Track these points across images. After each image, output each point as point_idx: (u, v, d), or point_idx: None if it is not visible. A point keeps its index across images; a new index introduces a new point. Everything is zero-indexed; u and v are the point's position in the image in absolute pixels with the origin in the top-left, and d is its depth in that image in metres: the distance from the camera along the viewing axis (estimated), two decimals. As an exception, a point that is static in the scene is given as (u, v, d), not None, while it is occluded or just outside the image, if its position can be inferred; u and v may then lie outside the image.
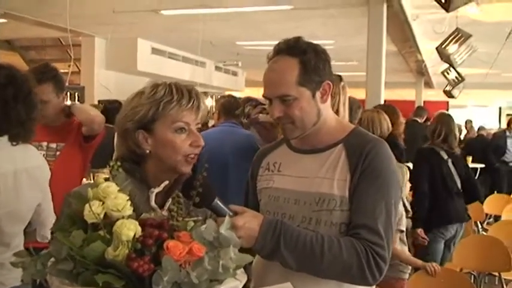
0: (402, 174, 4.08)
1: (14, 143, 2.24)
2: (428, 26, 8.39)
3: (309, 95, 1.73)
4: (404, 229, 3.63)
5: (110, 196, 1.19)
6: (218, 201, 1.55)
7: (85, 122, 3.20)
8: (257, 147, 3.53)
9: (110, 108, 4.91)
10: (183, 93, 1.59)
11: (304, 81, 1.71)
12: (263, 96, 1.79)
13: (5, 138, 2.22)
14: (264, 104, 3.49)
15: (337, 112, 2.98)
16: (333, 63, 1.80)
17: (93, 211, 1.17)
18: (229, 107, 4.03)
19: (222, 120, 3.92)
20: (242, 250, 1.29)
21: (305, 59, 1.71)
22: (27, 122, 2.24)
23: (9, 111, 2.18)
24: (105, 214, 1.21)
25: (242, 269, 1.26)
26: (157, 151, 1.60)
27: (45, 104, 3.10)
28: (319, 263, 1.61)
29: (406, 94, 16.94)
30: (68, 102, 3.45)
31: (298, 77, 1.70)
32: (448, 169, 4.65)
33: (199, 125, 1.64)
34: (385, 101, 6.66)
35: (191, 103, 1.59)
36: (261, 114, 4.57)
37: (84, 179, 3.76)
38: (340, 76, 3.17)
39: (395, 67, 12.44)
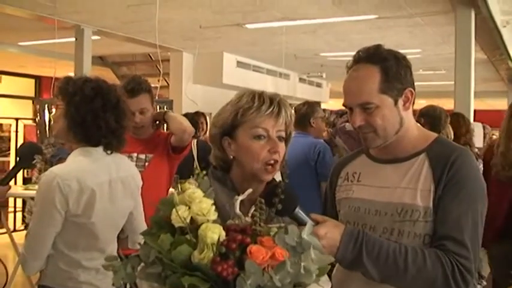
0: None
1: (109, 152, 2.33)
2: (519, 33, 8.07)
3: (391, 102, 1.71)
4: None
5: (195, 201, 1.24)
6: (300, 210, 1.56)
7: (176, 131, 3.29)
8: (323, 152, 3.56)
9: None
10: (264, 100, 1.63)
11: (386, 88, 1.69)
12: (343, 105, 1.78)
13: (101, 148, 2.31)
14: None
15: None
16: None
17: (179, 215, 1.22)
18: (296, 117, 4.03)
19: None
20: None
21: (386, 66, 1.70)
22: (118, 130, 2.32)
23: (99, 121, 2.26)
24: (192, 219, 1.25)
25: (326, 276, 1.27)
26: (239, 157, 1.65)
27: (145, 113, 3.24)
28: (403, 274, 1.58)
29: (497, 104, 16.26)
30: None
31: (380, 85, 1.69)
32: None
33: (283, 133, 1.66)
34: (474, 111, 6.45)
35: (271, 109, 1.62)
36: (347, 124, 4.55)
37: (171, 189, 3.88)
38: None
39: (485, 76, 12.00)
